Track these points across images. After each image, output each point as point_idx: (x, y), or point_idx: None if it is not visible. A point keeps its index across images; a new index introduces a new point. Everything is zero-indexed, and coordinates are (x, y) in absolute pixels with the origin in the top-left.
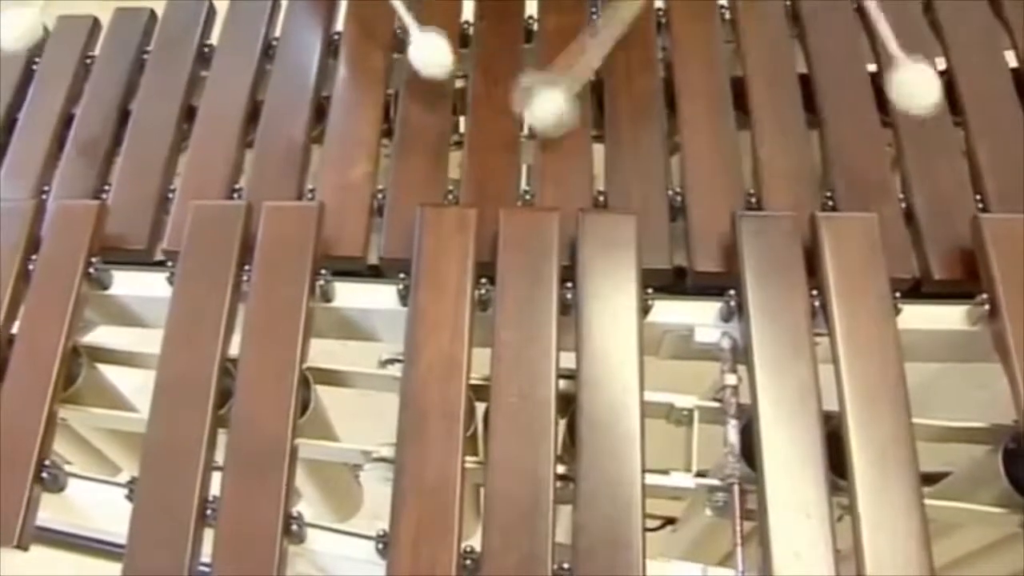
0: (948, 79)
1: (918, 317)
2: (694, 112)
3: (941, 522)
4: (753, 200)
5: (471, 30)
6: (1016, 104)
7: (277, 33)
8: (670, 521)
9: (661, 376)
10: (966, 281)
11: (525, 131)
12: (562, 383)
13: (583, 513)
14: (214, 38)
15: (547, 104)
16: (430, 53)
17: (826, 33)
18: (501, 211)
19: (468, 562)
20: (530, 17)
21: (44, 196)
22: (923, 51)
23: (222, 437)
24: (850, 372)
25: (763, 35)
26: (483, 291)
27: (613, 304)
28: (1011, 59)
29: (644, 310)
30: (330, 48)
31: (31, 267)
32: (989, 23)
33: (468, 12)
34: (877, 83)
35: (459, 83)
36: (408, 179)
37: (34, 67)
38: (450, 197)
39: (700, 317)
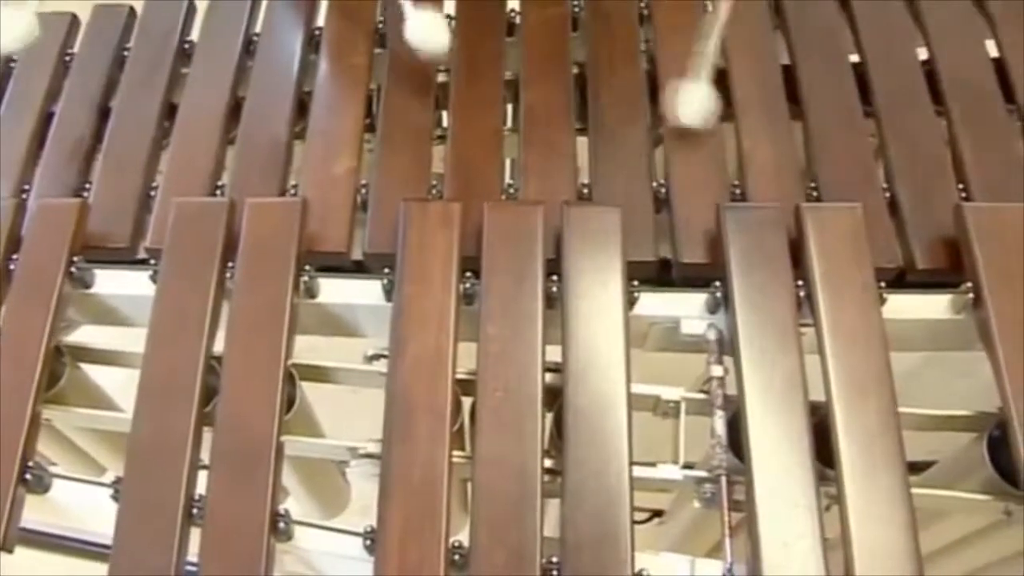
0: (930, 69)
1: (903, 306)
2: None
3: (928, 510)
4: (738, 192)
5: (453, 24)
6: (997, 93)
7: (258, 29)
8: (658, 513)
9: (647, 368)
10: (950, 270)
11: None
12: (548, 377)
13: (571, 507)
14: (195, 35)
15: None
16: (427, 31)
17: (809, 24)
18: (485, 205)
19: (456, 557)
20: (512, 11)
21: (25, 195)
22: (905, 42)
23: (207, 435)
24: (836, 362)
25: (746, 27)
26: (468, 285)
27: (599, 297)
28: (992, 49)
29: (630, 303)
30: (312, 44)
31: (12, 267)
32: (970, 14)
33: (449, 6)
34: (860, 74)
35: (442, 77)
36: (391, 174)
37: (12, 65)
38: (434, 191)
39: (686, 309)
